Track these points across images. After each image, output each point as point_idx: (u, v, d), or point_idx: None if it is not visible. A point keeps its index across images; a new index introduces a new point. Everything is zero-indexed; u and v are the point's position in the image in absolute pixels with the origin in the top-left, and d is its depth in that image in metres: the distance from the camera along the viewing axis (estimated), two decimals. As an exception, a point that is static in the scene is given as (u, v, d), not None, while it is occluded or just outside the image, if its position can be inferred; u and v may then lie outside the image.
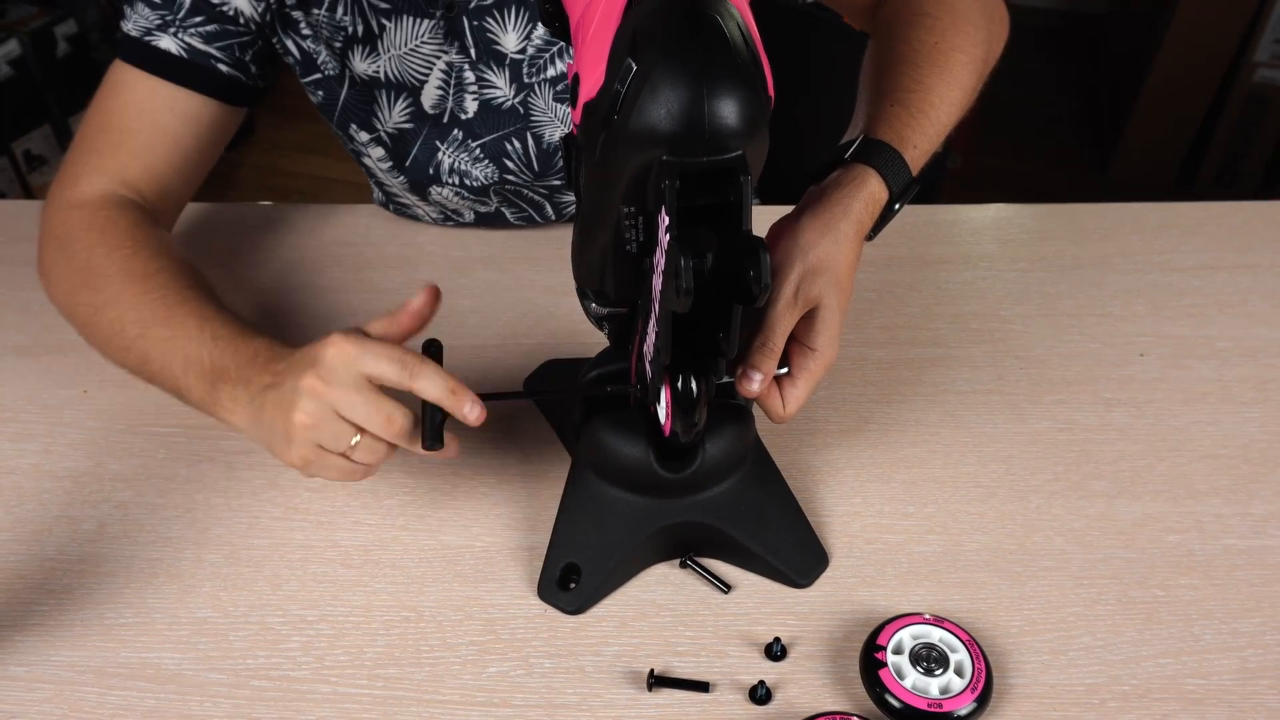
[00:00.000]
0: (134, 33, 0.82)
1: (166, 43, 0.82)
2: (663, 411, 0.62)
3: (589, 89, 0.51)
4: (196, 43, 0.83)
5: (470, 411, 0.63)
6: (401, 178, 0.94)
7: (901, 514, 0.74)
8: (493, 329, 0.90)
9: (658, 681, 0.64)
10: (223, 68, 0.84)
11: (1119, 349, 0.88)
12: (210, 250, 1.00)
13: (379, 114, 0.90)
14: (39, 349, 0.89)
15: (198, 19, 0.82)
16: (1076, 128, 2.80)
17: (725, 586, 0.69)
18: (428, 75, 0.88)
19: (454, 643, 0.66)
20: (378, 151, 0.93)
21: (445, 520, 0.74)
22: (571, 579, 0.69)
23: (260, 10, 0.84)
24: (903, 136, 0.72)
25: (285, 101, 2.40)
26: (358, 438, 0.63)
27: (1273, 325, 0.91)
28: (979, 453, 0.79)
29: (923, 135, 0.73)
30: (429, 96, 0.89)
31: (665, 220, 0.50)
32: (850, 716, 0.60)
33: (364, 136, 0.92)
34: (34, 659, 0.66)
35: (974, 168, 2.51)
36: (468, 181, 0.93)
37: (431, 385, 0.62)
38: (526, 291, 0.94)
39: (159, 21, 0.82)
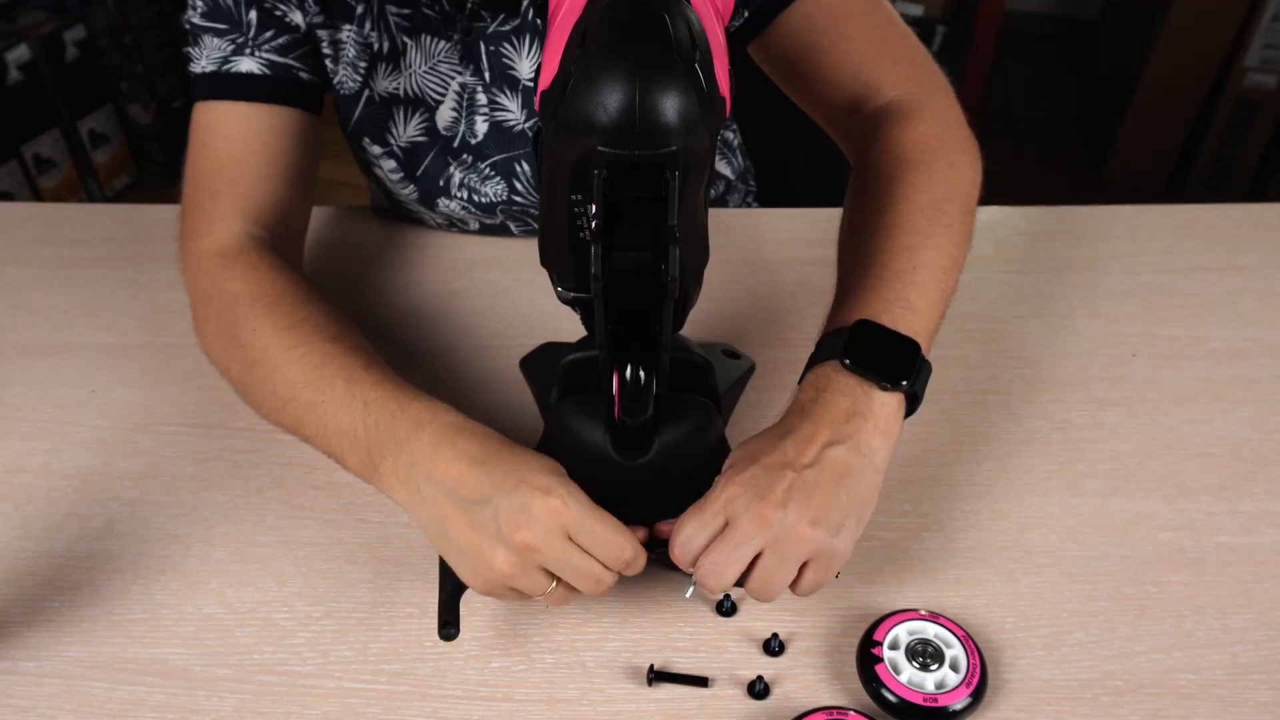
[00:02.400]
0: (209, 68, 0.81)
1: (246, 65, 0.80)
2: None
3: (546, 78, 0.52)
4: (275, 57, 0.81)
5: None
6: (411, 188, 0.95)
7: (898, 511, 0.75)
8: (494, 329, 0.91)
9: (657, 676, 0.64)
10: (304, 75, 0.83)
11: (1112, 349, 0.89)
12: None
13: (393, 129, 0.91)
14: (48, 349, 0.89)
15: (268, 33, 0.81)
16: (1070, 132, 2.81)
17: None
18: (444, 95, 0.88)
19: (457, 638, 0.66)
20: (389, 164, 0.93)
21: (448, 518, 0.75)
22: None
23: (305, 21, 0.83)
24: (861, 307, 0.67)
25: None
26: (554, 585, 0.60)
27: (1263, 326, 0.91)
28: (974, 451, 0.80)
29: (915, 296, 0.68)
30: (443, 117, 0.89)
31: (593, 208, 0.51)
32: (847, 711, 0.61)
33: (376, 150, 0.93)
34: (44, 654, 0.66)
35: (969, 171, 2.52)
36: (476, 198, 0.94)
37: (637, 569, 0.62)
38: (528, 292, 0.94)
39: (232, 47, 0.80)
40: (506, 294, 0.95)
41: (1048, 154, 2.71)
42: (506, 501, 0.58)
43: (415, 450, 0.62)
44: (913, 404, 0.66)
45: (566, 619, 0.68)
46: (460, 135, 0.90)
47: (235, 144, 0.81)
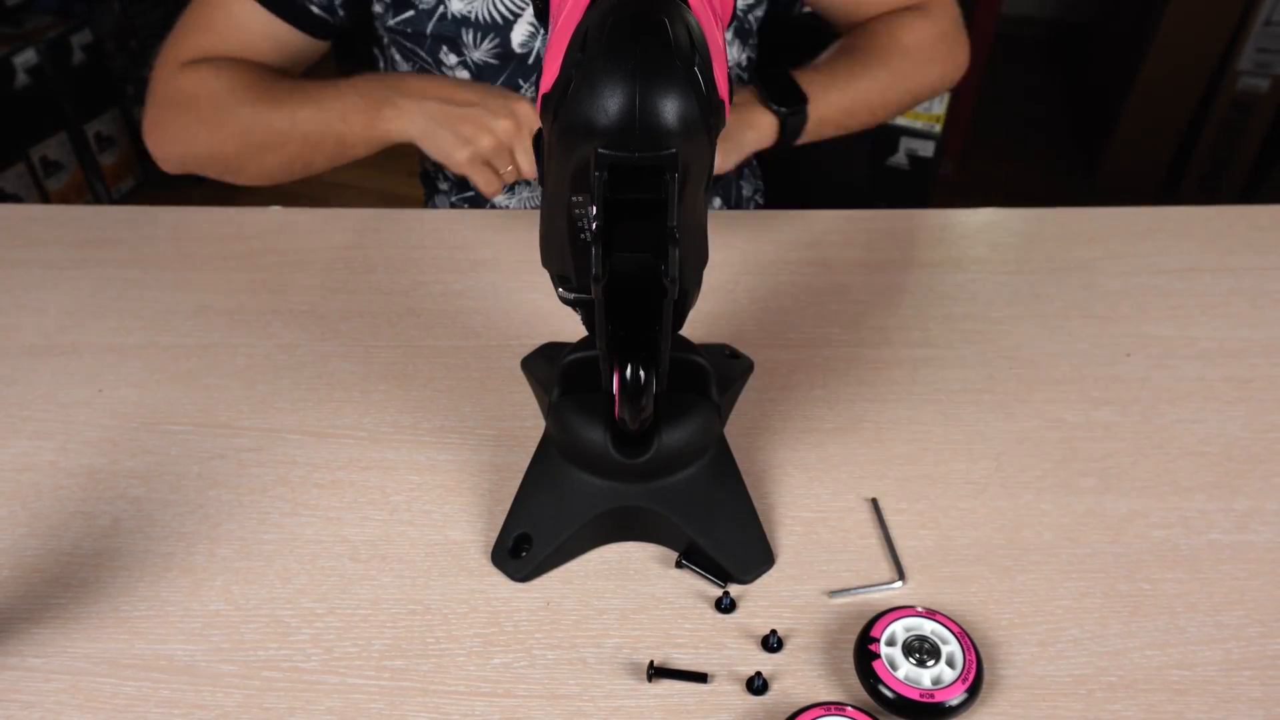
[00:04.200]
0: None
1: None
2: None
3: (548, 81, 0.53)
4: None
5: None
6: None
7: (894, 509, 0.75)
8: (496, 329, 0.92)
9: (657, 672, 0.64)
10: (314, 8, 0.91)
11: (1106, 349, 0.90)
12: (221, 253, 1.01)
13: (464, 48, 0.96)
14: (55, 349, 0.90)
15: None
16: (1065, 135, 2.82)
17: (721, 582, 0.70)
18: (521, 11, 0.91)
19: (459, 635, 0.67)
20: (463, 74, 0.99)
21: (450, 516, 0.75)
22: (523, 548, 0.71)
23: None
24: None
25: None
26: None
27: (1255, 326, 0.92)
28: (970, 450, 0.80)
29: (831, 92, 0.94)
30: (519, 34, 0.94)
31: (593, 210, 0.52)
32: (845, 707, 0.61)
33: (452, 59, 0.98)
34: (50, 650, 0.66)
35: (965, 173, 2.52)
36: None
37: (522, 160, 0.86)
38: (530, 293, 0.95)
39: None
40: (508, 295, 0.95)
41: (1043, 156, 2.72)
42: (495, 102, 0.83)
43: (411, 83, 0.87)
44: (784, 131, 0.96)
45: (567, 616, 0.68)
46: (536, 51, 0.93)
47: (230, 25, 0.92)
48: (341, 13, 0.95)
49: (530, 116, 0.81)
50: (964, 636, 0.64)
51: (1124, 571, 0.71)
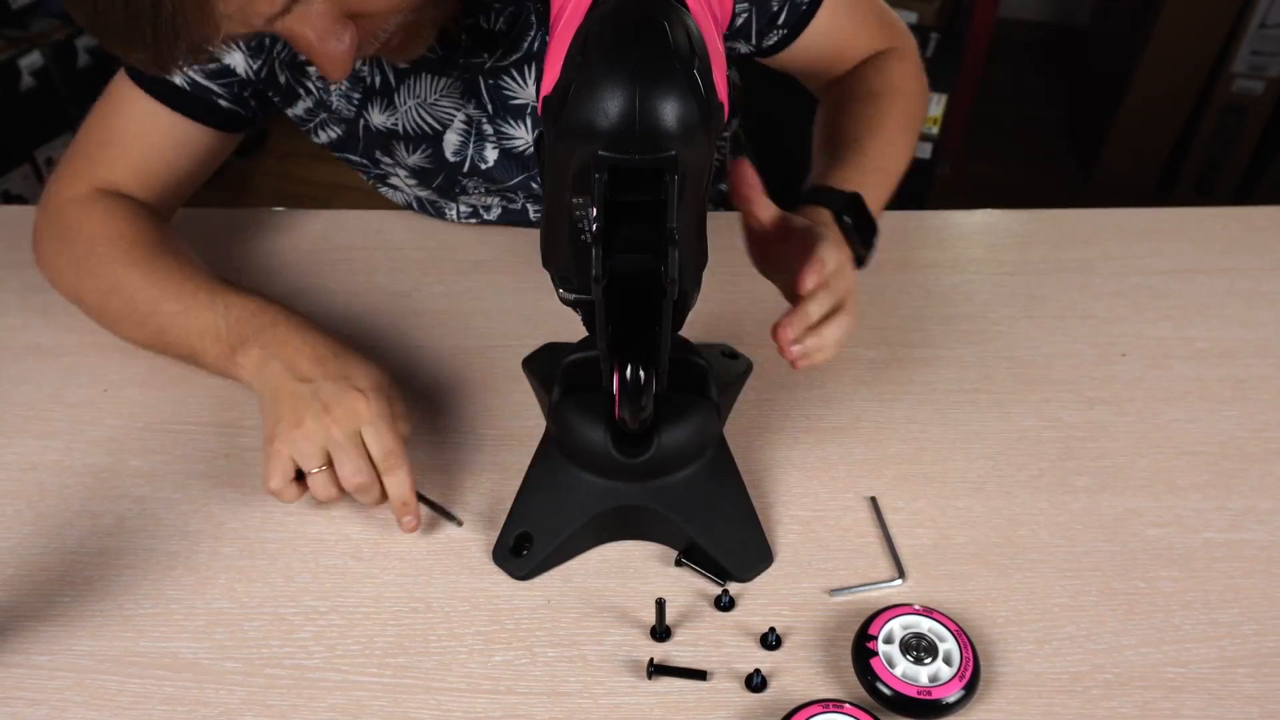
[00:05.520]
0: None
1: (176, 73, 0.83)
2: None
3: (548, 84, 0.53)
4: (199, 78, 0.84)
5: (404, 524, 0.73)
6: (429, 191, 0.98)
7: (892, 508, 0.76)
8: (497, 330, 0.92)
9: (657, 670, 0.65)
10: (223, 102, 0.86)
11: (1102, 349, 0.90)
12: (225, 254, 1.01)
13: (397, 154, 0.93)
14: (60, 349, 0.90)
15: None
16: (1061, 136, 2.83)
17: (720, 580, 0.71)
18: (449, 123, 0.89)
19: (461, 632, 0.68)
20: (404, 172, 0.95)
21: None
22: (524, 547, 0.71)
23: (257, 69, 0.85)
24: (852, 183, 0.81)
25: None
26: (320, 469, 0.71)
27: (1249, 326, 0.93)
28: (967, 449, 0.81)
29: (872, 185, 0.83)
30: (450, 144, 0.91)
31: (593, 212, 0.52)
32: (843, 704, 0.61)
33: (388, 160, 0.94)
34: (56, 648, 0.67)
35: (963, 175, 2.53)
36: (492, 185, 0.96)
37: (395, 486, 0.72)
38: (531, 294, 0.95)
39: None
40: (509, 296, 0.96)
41: (1039, 158, 2.73)
42: (327, 387, 0.72)
43: (270, 337, 0.76)
44: (859, 263, 0.82)
45: (567, 614, 0.69)
46: (470, 159, 0.91)
47: (130, 130, 0.87)
48: (253, 104, 0.89)
49: (357, 410, 0.72)
50: (961, 634, 0.64)
51: (1119, 570, 0.72)
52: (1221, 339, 0.91)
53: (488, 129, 0.90)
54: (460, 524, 0.73)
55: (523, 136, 0.90)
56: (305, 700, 0.64)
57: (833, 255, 0.71)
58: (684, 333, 0.72)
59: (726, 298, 0.95)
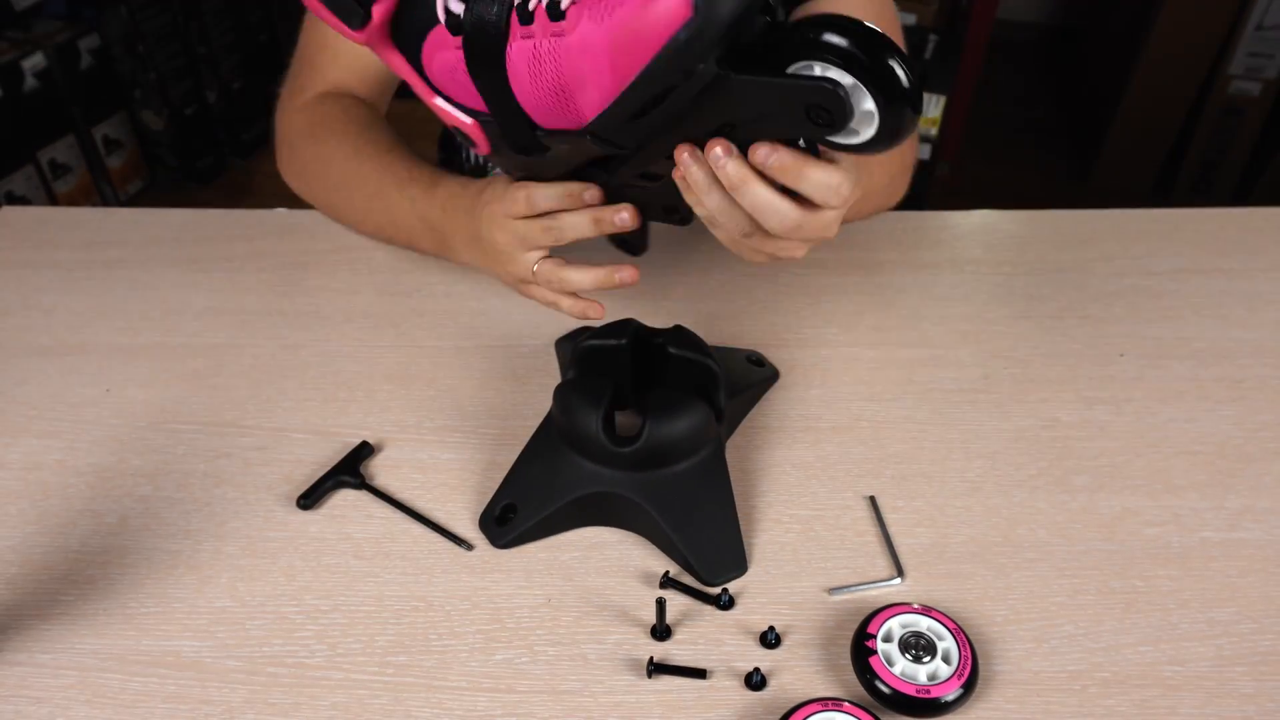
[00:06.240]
0: None
1: None
2: None
3: (589, 110, 0.57)
4: None
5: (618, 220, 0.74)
6: None
7: (891, 507, 0.76)
8: (499, 330, 0.92)
9: (657, 668, 0.65)
10: None
11: (1099, 349, 0.91)
12: (227, 254, 1.02)
13: None
14: (63, 349, 0.91)
15: None
16: (1059, 137, 2.83)
17: (704, 599, 0.70)
18: None
19: (462, 631, 0.68)
20: None
21: (454, 514, 0.76)
22: (509, 517, 0.73)
23: None
24: None
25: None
26: (543, 256, 0.77)
27: (1246, 327, 0.93)
28: (965, 449, 0.81)
29: None
30: None
31: None
32: (842, 702, 0.61)
33: None
34: (59, 647, 0.67)
35: (961, 176, 2.53)
36: None
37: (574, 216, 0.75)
38: (529, 295, 0.96)
39: None
40: (510, 295, 0.95)
41: (1037, 159, 2.73)
42: (484, 210, 0.77)
43: (456, 222, 0.83)
44: None
45: (568, 613, 0.69)
46: None
47: (342, 39, 0.90)
48: None
49: (515, 197, 0.75)
50: (959, 633, 0.65)
51: (1117, 569, 0.72)
52: (1219, 339, 0.91)
53: None
54: (471, 549, 0.74)
55: None
56: (307, 699, 0.64)
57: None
58: (709, 337, 0.75)
59: (727, 298, 0.95)
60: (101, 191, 2.55)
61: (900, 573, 0.71)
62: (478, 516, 0.75)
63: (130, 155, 2.59)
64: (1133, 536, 0.74)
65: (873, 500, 0.77)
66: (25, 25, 2.37)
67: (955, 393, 0.86)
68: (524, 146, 0.65)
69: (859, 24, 0.52)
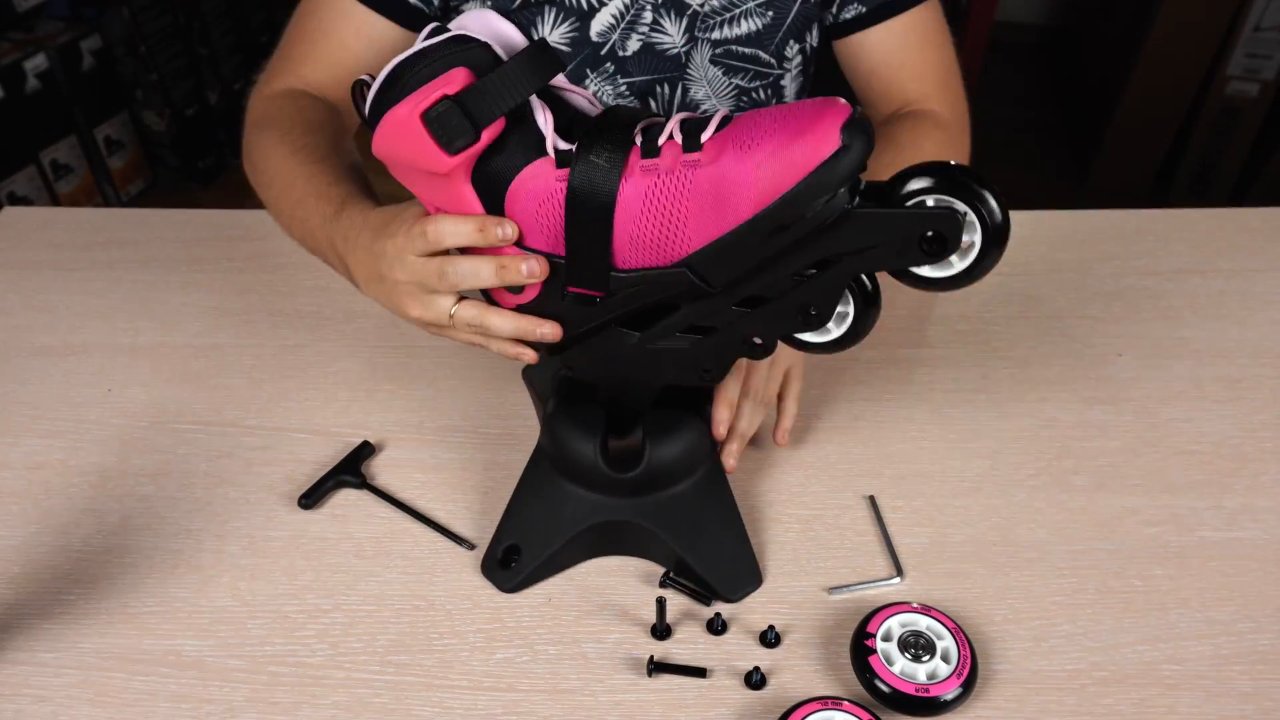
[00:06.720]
0: None
1: None
2: None
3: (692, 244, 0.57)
4: None
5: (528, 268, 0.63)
6: None
7: (891, 507, 0.76)
8: (497, 331, 0.92)
9: (657, 668, 0.65)
10: (410, 0, 0.88)
11: (1098, 349, 0.91)
12: (228, 254, 1.02)
13: (538, 29, 0.93)
14: (65, 350, 0.91)
15: None
16: (1058, 138, 2.83)
17: (707, 600, 0.70)
18: (606, 2, 0.90)
19: (462, 630, 0.68)
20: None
21: (454, 513, 0.76)
22: (512, 559, 0.71)
23: None
24: None
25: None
26: (457, 303, 0.67)
27: (1244, 327, 0.93)
28: (965, 449, 0.81)
29: None
30: (600, 22, 0.91)
31: None
32: (841, 701, 0.61)
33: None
34: (61, 646, 0.67)
35: (961, 176, 2.53)
36: (621, 77, 0.95)
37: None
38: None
39: None
40: (509, 297, 0.96)
41: (1036, 160, 2.73)
42: (386, 244, 0.66)
43: (356, 257, 0.71)
44: None
45: (568, 612, 0.69)
46: (611, 45, 0.91)
47: (324, 28, 0.90)
48: (436, 2, 0.91)
49: (414, 231, 0.65)
50: (959, 632, 0.65)
51: (1116, 568, 0.72)
52: (1216, 339, 0.92)
53: (646, 16, 0.90)
54: (473, 548, 0.74)
55: (673, 36, 0.90)
56: (308, 697, 0.64)
57: (728, 389, 0.75)
58: None
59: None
60: (103, 192, 2.55)
61: (899, 572, 0.72)
62: (480, 515, 0.76)
63: (132, 156, 2.59)
64: (1131, 536, 0.74)
65: (872, 500, 0.77)
66: (27, 26, 2.37)
67: (954, 393, 0.86)
68: (586, 282, 0.61)
69: (961, 166, 0.56)
